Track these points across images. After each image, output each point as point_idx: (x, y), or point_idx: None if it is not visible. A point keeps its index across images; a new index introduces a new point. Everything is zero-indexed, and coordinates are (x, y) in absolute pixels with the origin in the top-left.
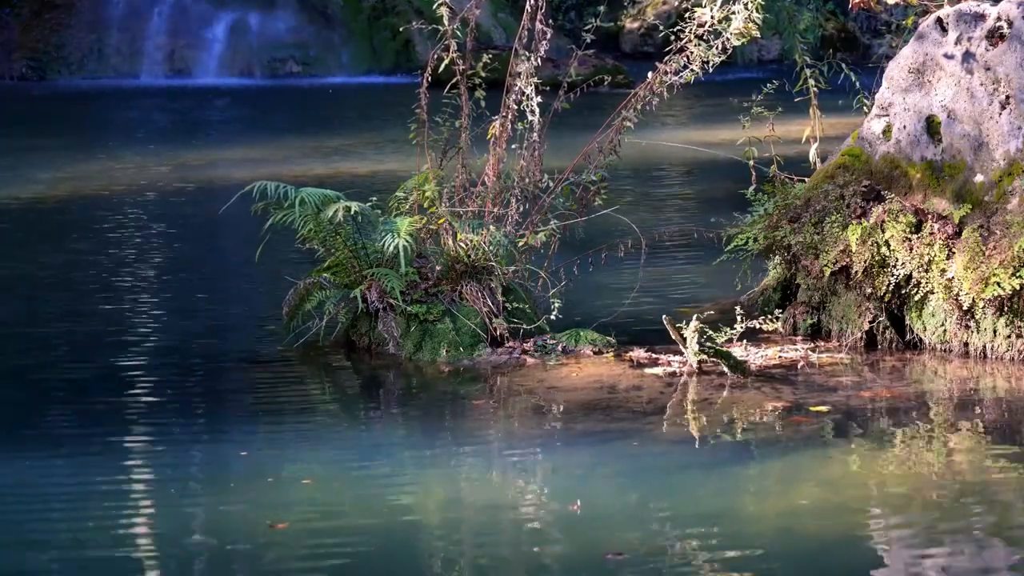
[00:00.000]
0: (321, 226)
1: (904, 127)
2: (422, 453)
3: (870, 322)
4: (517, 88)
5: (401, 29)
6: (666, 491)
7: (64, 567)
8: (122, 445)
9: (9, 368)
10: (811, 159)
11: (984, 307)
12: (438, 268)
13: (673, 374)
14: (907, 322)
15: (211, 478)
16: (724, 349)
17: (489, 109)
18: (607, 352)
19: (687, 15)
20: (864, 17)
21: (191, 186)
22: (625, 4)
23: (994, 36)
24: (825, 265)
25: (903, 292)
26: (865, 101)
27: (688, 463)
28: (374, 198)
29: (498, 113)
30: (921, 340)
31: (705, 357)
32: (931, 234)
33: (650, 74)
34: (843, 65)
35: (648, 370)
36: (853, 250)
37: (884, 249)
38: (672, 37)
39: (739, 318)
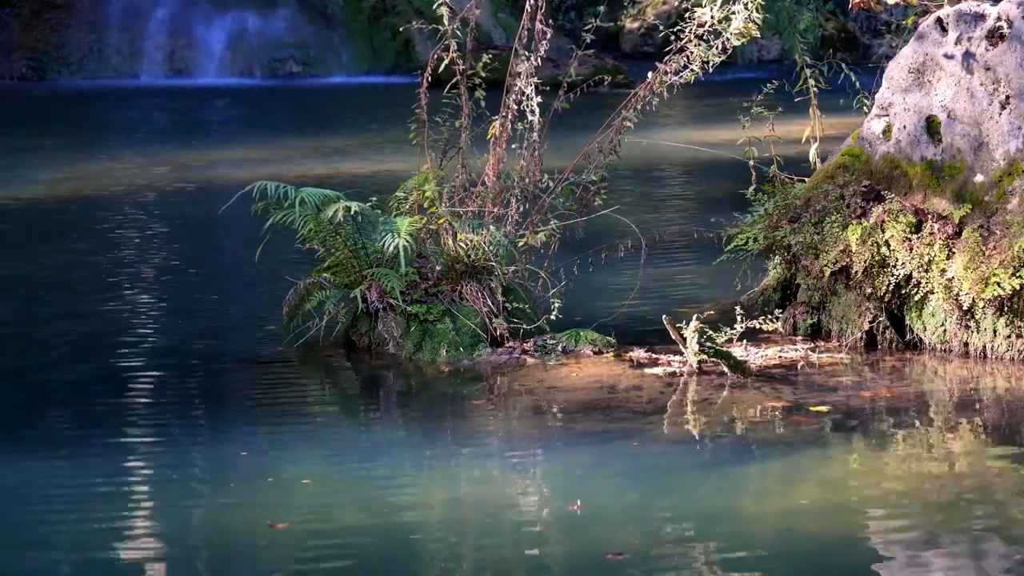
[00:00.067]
0: (321, 226)
1: (904, 127)
2: (422, 453)
3: (870, 322)
4: (517, 88)
5: (401, 29)
6: (666, 491)
7: (64, 568)
8: (122, 445)
9: (9, 368)
10: (811, 159)
11: (984, 307)
12: (438, 268)
13: (673, 374)
14: (907, 322)
15: (211, 478)
16: (724, 349)
17: (489, 109)
18: (607, 352)
19: (687, 15)
20: (864, 17)
21: (191, 186)
22: (625, 4)
23: (994, 36)
24: (825, 265)
25: (903, 292)
26: (865, 101)
27: (688, 463)
28: (374, 198)
29: (498, 113)
30: (921, 340)
31: (705, 357)
32: (931, 234)
33: (650, 74)
34: (843, 65)
35: (648, 370)
36: (853, 250)
37: (884, 249)
38: (672, 37)
39: (739, 318)
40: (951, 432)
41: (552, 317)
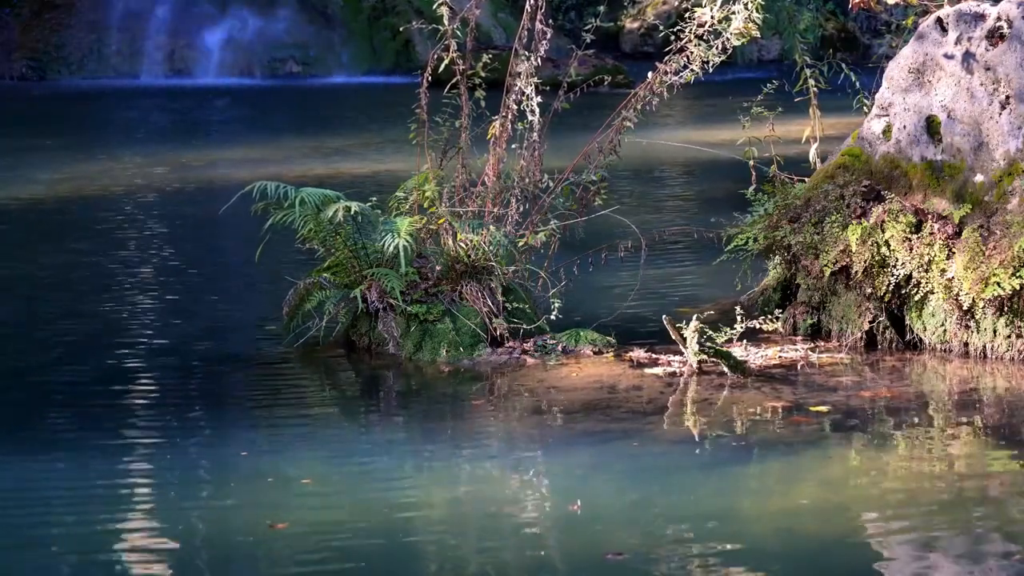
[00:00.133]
0: (321, 226)
1: (904, 127)
2: (422, 453)
3: (870, 322)
4: (517, 88)
5: (401, 29)
6: (666, 491)
7: (64, 568)
8: (122, 446)
9: (9, 369)
10: (811, 159)
11: (984, 307)
12: (438, 268)
13: (673, 374)
14: (907, 322)
15: (211, 478)
16: (724, 349)
17: (489, 109)
18: (607, 352)
19: (687, 15)
20: (864, 17)
21: (191, 186)
22: (625, 4)
23: (994, 36)
24: (825, 265)
25: (903, 292)
26: (865, 101)
27: (688, 463)
28: (374, 198)
29: (498, 113)
30: (921, 340)
31: (705, 357)
32: (931, 234)
33: (650, 74)
34: (843, 65)
35: (648, 370)
36: (853, 250)
37: (884, 249)
38: (672, 37)
39: (739, 318)
40: (951, 432)
41: (552, 317)
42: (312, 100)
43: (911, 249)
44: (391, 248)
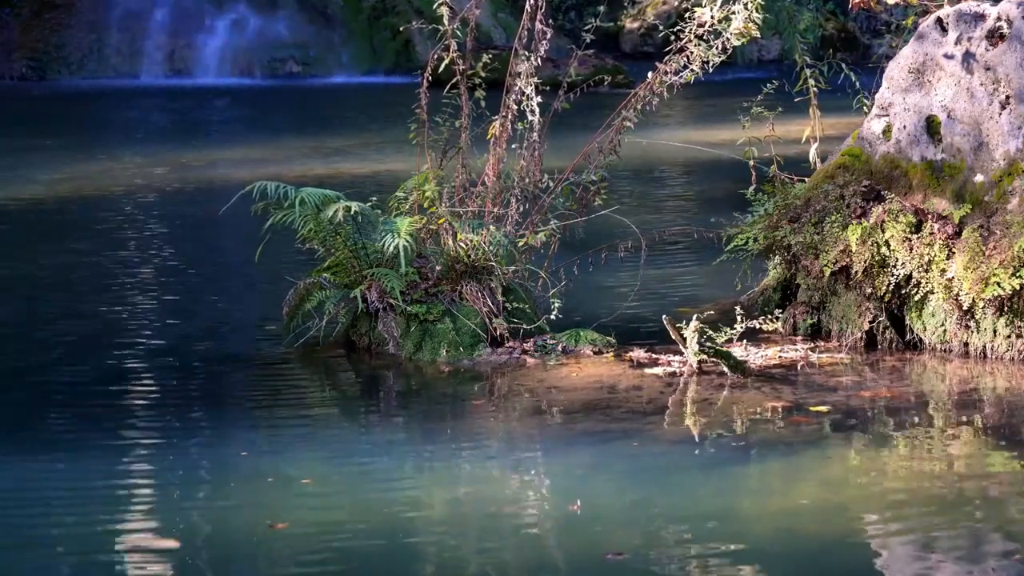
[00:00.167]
0: (321, 226)
1: (904, 127)
2: (422, 453)
3: (870, 322)
4: (517, 88)
5: (401, 29)
6: (666, 491)
7: (64, 568)
8: (122, 446)
9: (8, 369)
10: (811, 159)
11: (984, 307)
12: (438, 268)
13: (673, 374)
14: (907, 322)
15: (211, 478)
16: (724, 349)
17: (489, 109)
18: (607, 352)
19: (687, 15)
20: (864, 17)
21: (191, 186)
22: (625, 4)
23: (994, 36)
24: (825, 265)
25: (903, 292)
26: (865, 101)
27: (688, 463)
28: (374, 198)
29: (498, 113)
30: (921, 340)
31: (705, 357)
32: (931, 234)
33: (650, 74)
34: (843, 65)
35: (648, 370)
36: (853, 250)
37: (884, 249)
38: (672, 37)
39: (739, 318)
40: (951, 432)
41: (552, 317)
42: (312, 100)
43: (911, 249)
44: (391, 248)
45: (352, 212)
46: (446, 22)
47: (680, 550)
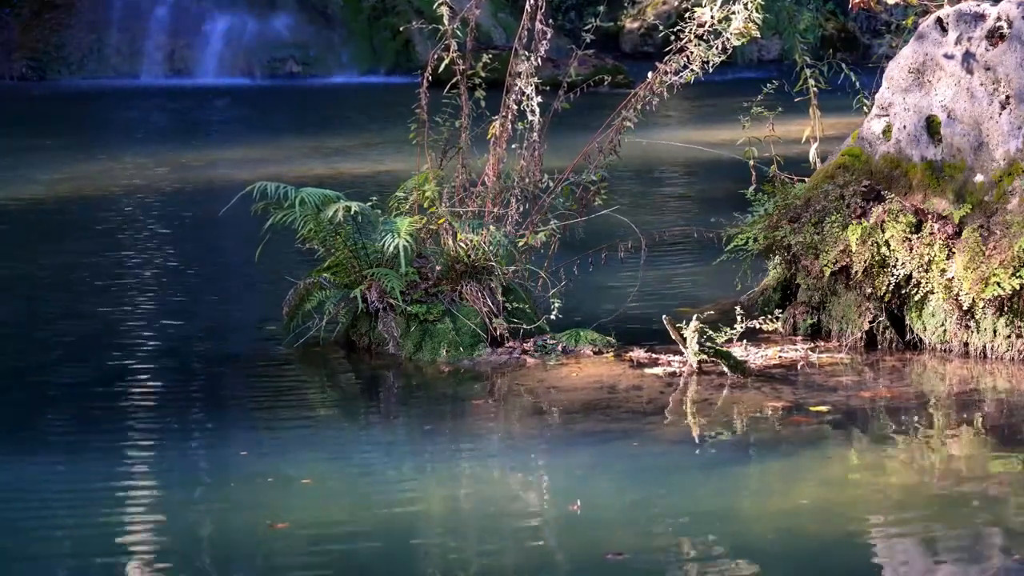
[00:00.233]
0: (321, 226)
1: (904, 127)
2: (422, 453)
3: (870, 322)
4: (517, 88)
5: (401, 29)
6: (666, 491)
7: (64, 569)
8: (122, 446)
9: (8, 369)
10: (811, 159)
11: (984, 307)
12: (438, 268)
13: (673, 374)
14: (907, 322)
15: (211, 478)
16: (724, 349)
17: (489, 109)
18: (607, 352)
19: (687, 15)
20: (864, 17)
21: (191, 186)
22: (625, 4)
23: (994, 36)
24: (825, 265)
25: (903, 292)
26: (865, 101)
27: (688, 463)
28: (374, 198)
29: (498, 113)
30: (921, 340)
31: (705, 357)
32: (931, 234)
33: (650, 74)
34: (843, 65)
35: (648, 370)
36: (853, 250)
37: (884, 249)
38: (672, 37)
39: (739, 318)
40: (951, 432)
41: (552, 317)
42: (312, 100)
43: (911, 249)
44: (391, 248)
45: (352, 212)
46: (446, 22)
47: (680, 550)
